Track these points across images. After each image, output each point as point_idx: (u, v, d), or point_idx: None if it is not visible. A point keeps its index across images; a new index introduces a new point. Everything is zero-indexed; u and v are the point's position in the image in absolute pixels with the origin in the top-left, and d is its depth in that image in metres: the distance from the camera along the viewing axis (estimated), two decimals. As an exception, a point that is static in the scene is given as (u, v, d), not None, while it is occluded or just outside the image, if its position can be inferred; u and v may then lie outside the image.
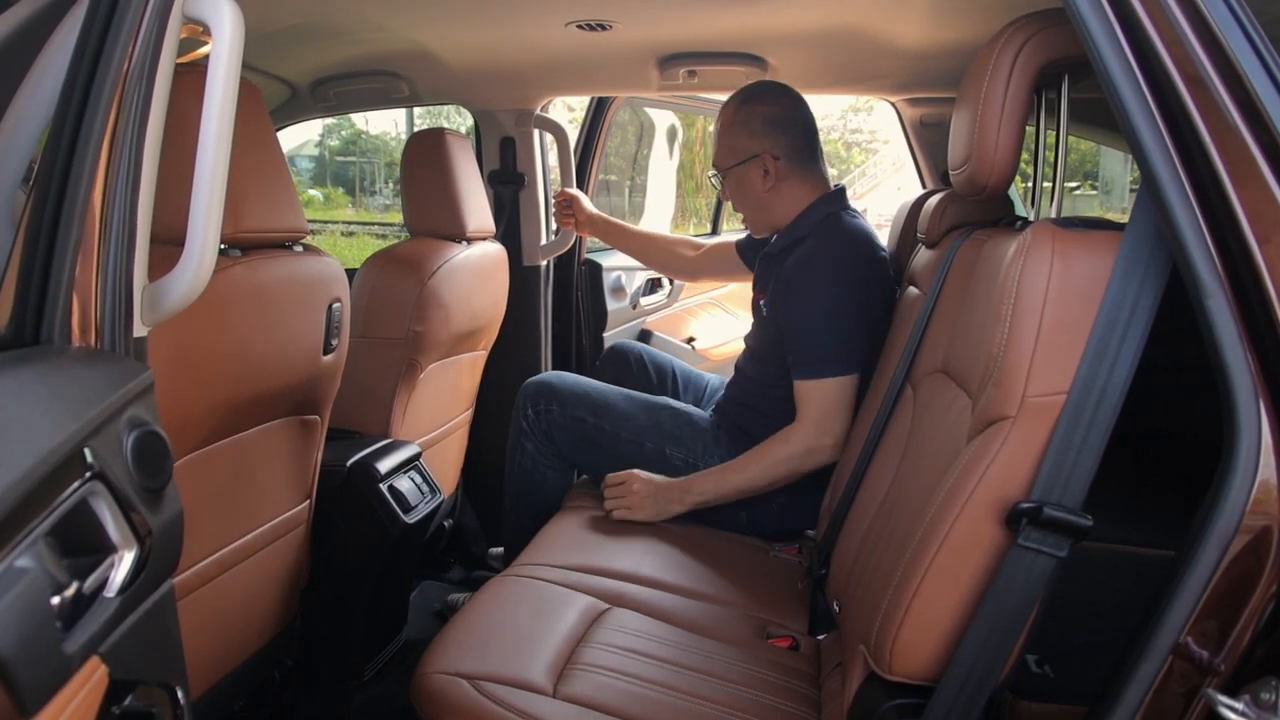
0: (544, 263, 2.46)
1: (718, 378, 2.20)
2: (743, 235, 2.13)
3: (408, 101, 2.34)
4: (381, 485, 1.66)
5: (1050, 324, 0.90)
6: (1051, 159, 1.30)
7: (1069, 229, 0.92)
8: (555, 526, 1.79)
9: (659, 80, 1.98)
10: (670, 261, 2.38)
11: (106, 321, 0.81)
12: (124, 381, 0.75)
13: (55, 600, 0.61)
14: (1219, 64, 0.77)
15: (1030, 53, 1.03)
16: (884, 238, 2.06)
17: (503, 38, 1.84)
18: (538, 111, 2.36)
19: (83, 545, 0.66)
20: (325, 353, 1.41)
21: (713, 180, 1.93)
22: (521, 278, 2.39)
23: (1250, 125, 0.76)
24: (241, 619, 1.41)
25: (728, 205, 2.19)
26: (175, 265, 0.86)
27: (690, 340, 3.00)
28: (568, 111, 3.82)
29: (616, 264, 2.63)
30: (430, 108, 5.50)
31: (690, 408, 1.96)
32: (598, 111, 2.60)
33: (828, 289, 1.67)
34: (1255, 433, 0.77)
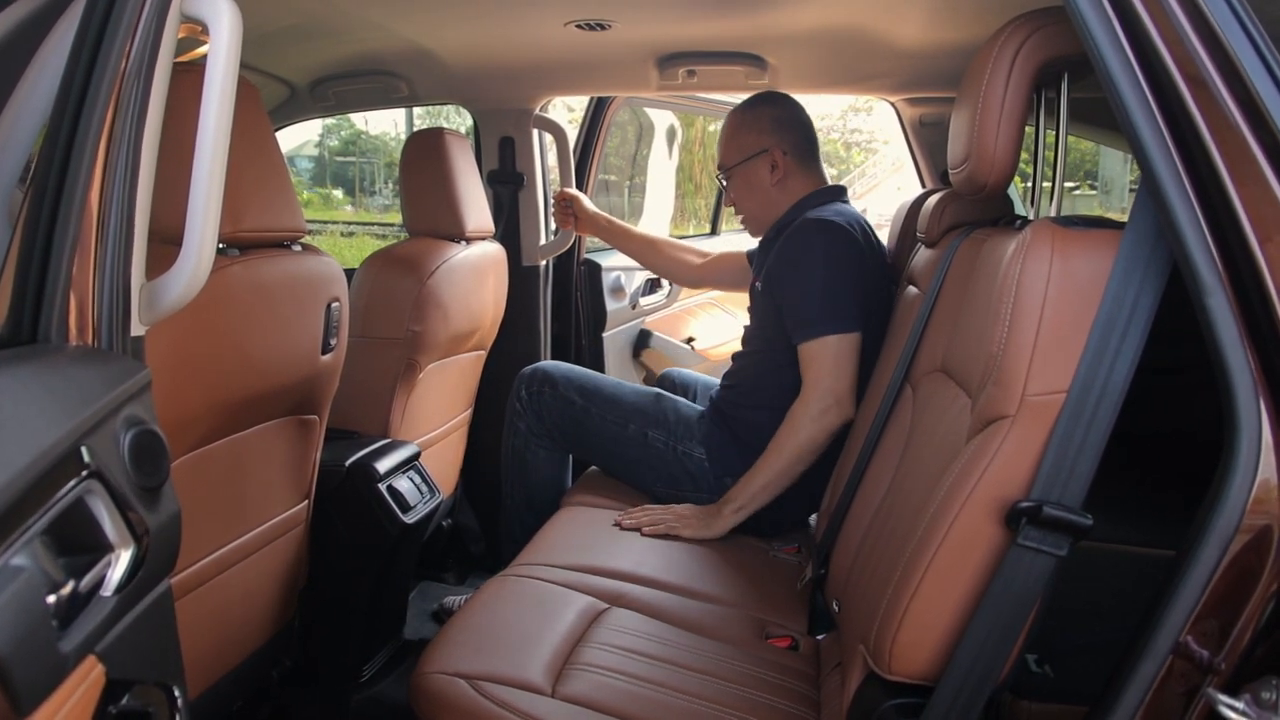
0: (543, 263, 2.46)
1: None
2: (746, 241, 2.14)
3: (407, 101, 2.34)
4: (380, 485, 1.66)
5: (1050, 323, 0.90)
6: (1051, 158, 1.30)
7: (1069, 228, 0.92)
8: (554, 526, 1.79)
9: (658, 80, 1.98)
10: (673, 268, 2.37)
11: (104, 320, 0.81)
12: (121, 380, 0.75)
13: (51, 599, 0.60)
14: (1220, 62, 0.77)
15: (1030, 51, 1.03)
16: (884, 237, 2.06)
17: (502, 37, 1.84)
18: (537, 111, 2.36)
19: (79, 544, 0.65)
20: (324, 352, 1.40)
21: (720, 179, 1.96)
22: (521, 278, 2.38)
23: (1251, 124, 0.76)
24: (240, 619, 1.40)
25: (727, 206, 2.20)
26: (173, 264, 0.86)
27: (690, 340, 3.00)
28: (567, 112, 3.82)
29: (616, 264, 2.62)
30: (430, 108, 5.50)
31: (680, 399, 1.98)
32: (597, 111, 2.59)
33: (818, 253, 1.71)
34: (1255, 431, 0.76)
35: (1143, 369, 0.87)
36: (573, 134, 2.51)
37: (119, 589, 0.68)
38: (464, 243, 2.05)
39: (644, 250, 2.35)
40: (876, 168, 26.67)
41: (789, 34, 1.74)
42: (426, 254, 1.94)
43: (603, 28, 1.68)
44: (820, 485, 1.75)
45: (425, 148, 1.98)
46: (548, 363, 2.06)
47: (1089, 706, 0.86)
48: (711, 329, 3.12)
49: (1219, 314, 0.77)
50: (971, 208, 1.51)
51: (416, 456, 1.81)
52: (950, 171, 1.19)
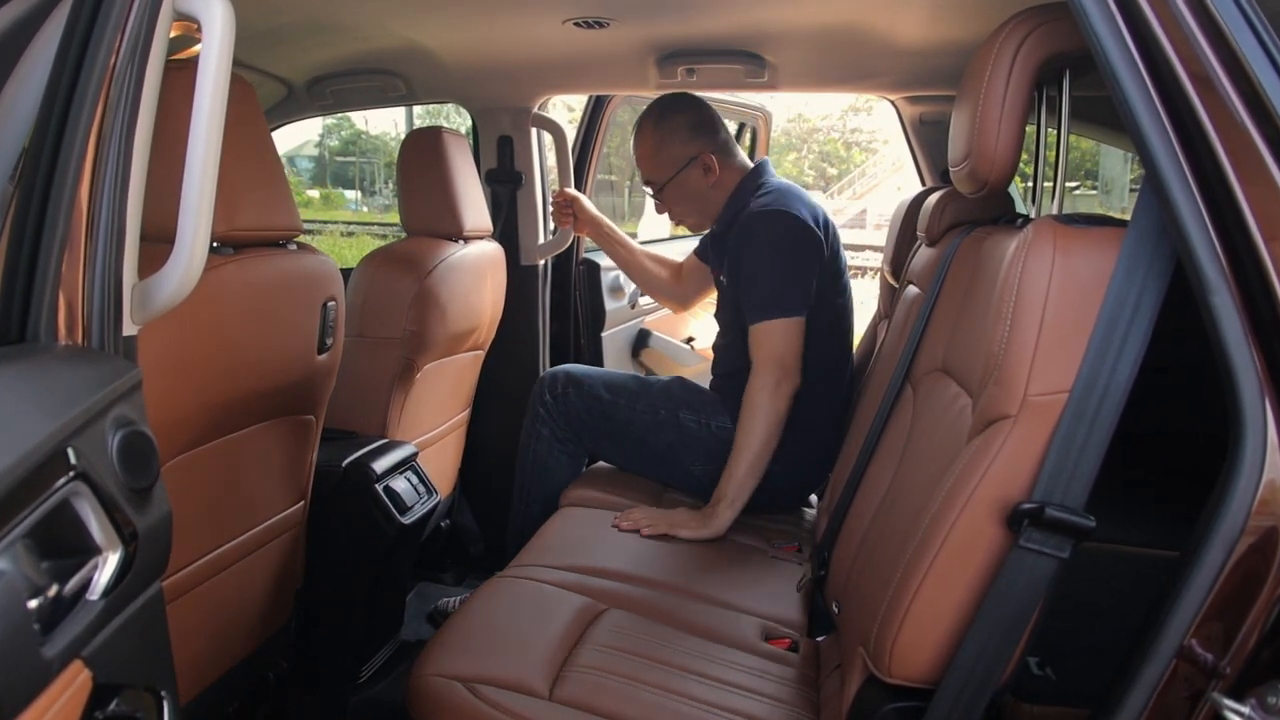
0: (542, 262, 2.45)
1: None
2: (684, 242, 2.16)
3: (405, 100, 2.33)
4: (377, 486, 1.65)
5: (1052, 322, 0.89)
6: (1052, 156, 1.29)
7: (1071, 225, 0.91)
8: (552, 527, 1.78)
9: (657, 78, 1.97)
10: (659, 287, 2.32)
11: (94, 319, 0.80)
12: (110, 380, 0.74)
13: (34, 603, 0.59)
14: (1225, 58, 0.76)
15: (1032, 47, 1.02)
16: (883, 238, 2.05)
17: (500, 35, 1.83)
18: (535, 110, 2.35)
19: (65, 547, 0.64)
20: (320, 352, 1.39)
21: (652, 195, 1.98)
22: (519, 277, 2.38)
23: (1257, 121, 0.75)
24: (236, 620, 1.40)
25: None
26: (165, 263, 0.85)
27: (689, 340, 2.99)
28: (566, 111, 3.81)
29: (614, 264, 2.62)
30: (430, 107, 5.49)
31: (690, 381, 2.02)
32: (596, 110, 2.58)
33: (763, 244, 1.78)
34: (1261, 432, 0.75)
35: (1146, 367, 0.86)
36: (571, 133, 2.50)
37: (106, 592, 0.67)
38: (462, 242, 2.04)
39: (628, 264, 2.31)
40: (876, 167, 26.67)
41: (789, 32, 1.73)
42: (424, 253, 1.93)
43: (601, 25, 1.67)
44: (807, 459, 1.79)
45: (423, 147, 1.97)
46: (567, 366, 2.07)
47: (1091, 709, 0.85)
48: (710, 329, 3.11)
49: (1224, 312, 0.76)
50: (972, 206, 1.50)
51: (414, 457, 1.80)
52: (951, 170, 1.18)
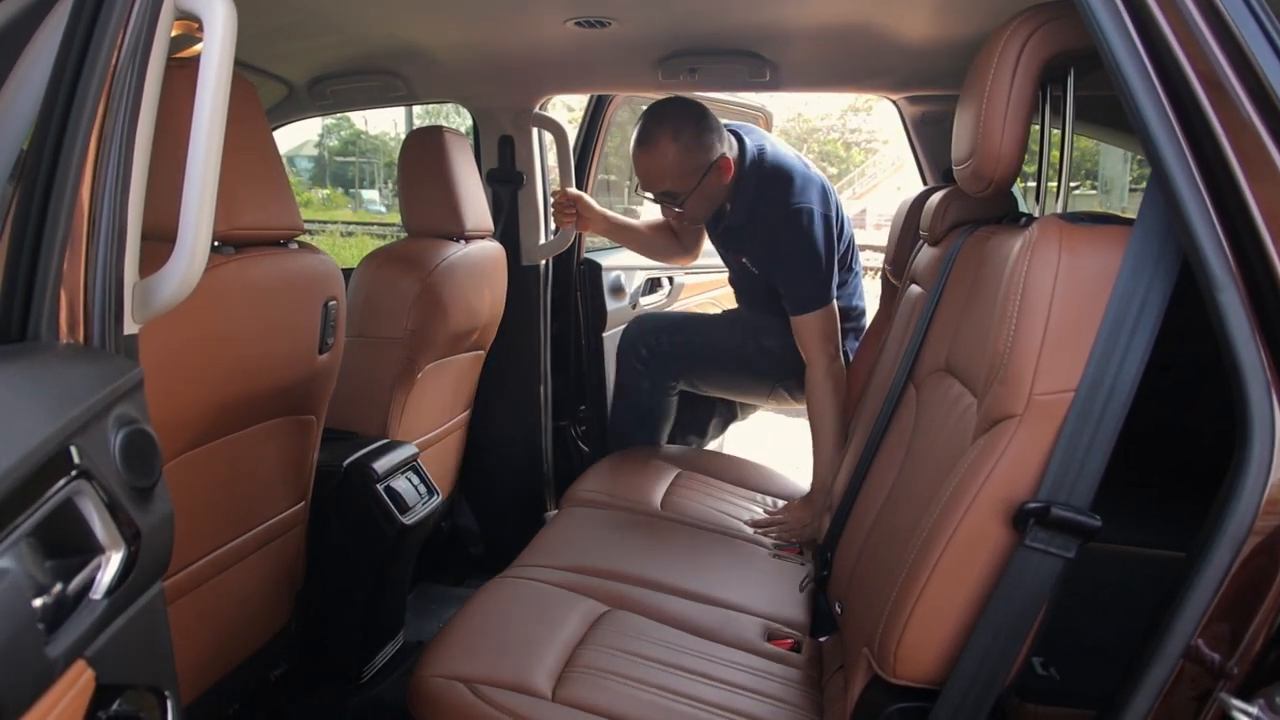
0: (543, 262, 2.44)
1: None
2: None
3: (406, 100, 2.33)
4: (379, 486, 1.65)
5: (1057, 320, 0.88)
6: (1056, 156, 1.29)
7: (1076, 224, 0.91)
8: (554, 528, 1.78)
9: (659, 78, 1.97)
10: (671, 251, 2.42)
11: (96, 318, 0.80)
12: (112, 379, 0.73)
13: (38, 602, 0.59)
14: (1233, 57, 0.76)
15: (1036, 45, 1.02)
16: (883, 238, 2.07)
17: (501, 35, 1.82)
18: (536, 110, 2.35)
19: (68, 546, 0.64)
20: (321, 352, 1.39)
21: (675, 207, 1.98)
22: (520, 277, 2.37)
23: (1265, 119, 0.74)
24: (237, 621, 1.39)
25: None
26: (167, 262, 0.84)
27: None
28: (567, 111, 3.80)
29: (615, 263, 2.61)
30: (431, 106, 5.49)
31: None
32: (597, 110, 2.58)
33: (793, 243, 1.96)
34: (1269, 431, 0.75)
35: (1152, 366, 0.85)
36: (572, 133, 2.49)
37: (109, 591, 0.67)
38: (463, 242, 2.03)
39: (646, 241, 2.38)
40: (876, 167, 26.66)
41: (791, 32, 1.73)
42: (425, 253, 1.93)
43: (603, 25, 1.66)
44: None
45: (424, 146, 1.97)
46: (640, 316, 2.37)
47: (1097, 710, 0.85)
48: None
49: (1231, 310, 0.76)
50: (975, 205, 1.50)
51: (415, 457, 1.80)
52: (954, 168, 1.17)
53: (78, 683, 0.62)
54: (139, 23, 0.83)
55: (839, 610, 1.37)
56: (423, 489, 1.76)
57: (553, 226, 2.44)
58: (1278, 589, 0.74)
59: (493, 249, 2.16)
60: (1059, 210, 1.17)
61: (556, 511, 1.89)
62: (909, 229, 1.99)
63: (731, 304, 3.31)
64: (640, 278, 2.80)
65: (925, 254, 1.66)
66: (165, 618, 0.78)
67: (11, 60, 0.84)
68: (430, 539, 2.13)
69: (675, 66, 1.91)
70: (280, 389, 1.33)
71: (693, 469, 2.17)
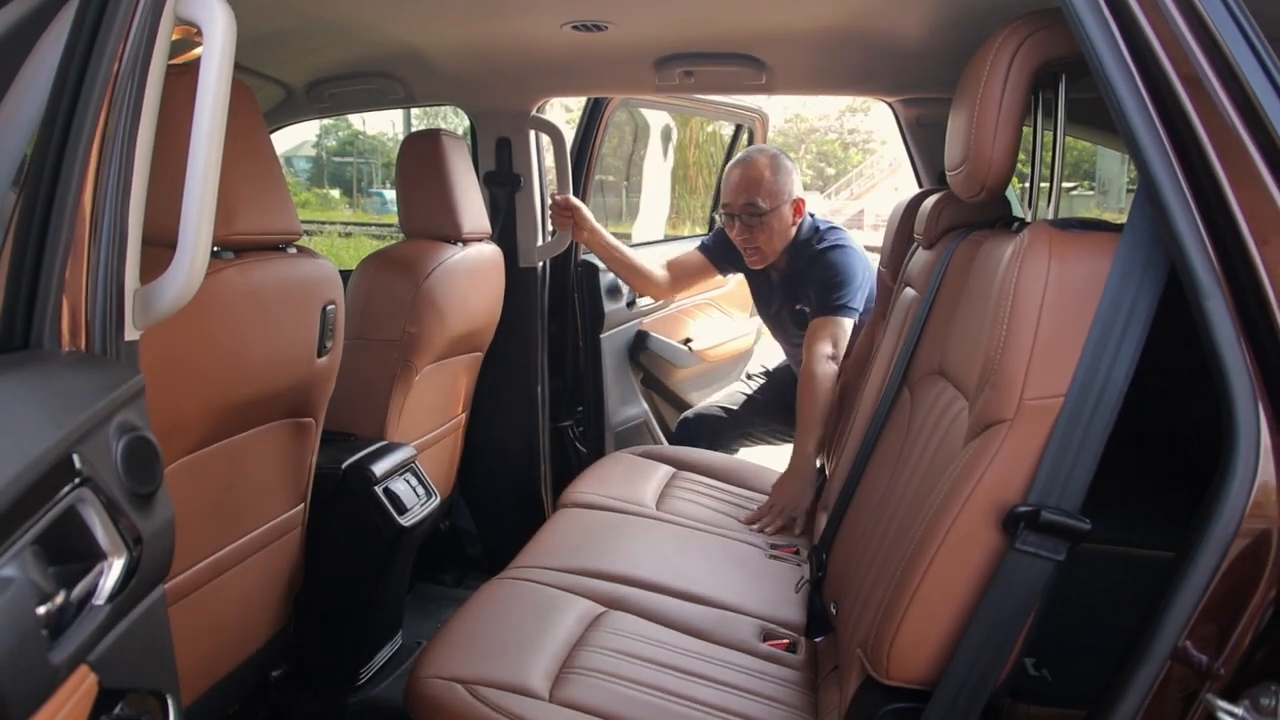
0: (540, 264, 2.45)
1: None
2: (683, 240, 2.38)
3: (403, 103, 2.33)
4: (377, 488, 1.66)
5: (1048, 326, 0.89)
6: (1049, 160, 1.30)
7: (1066, 230, 0.92)
8: (551, 529, 1.78)
9: (656, 81, 1.98)
10: (651, 281, 2.49)
11: (97, 325, 0.80)
12: (114, 386, 0.74)
13: (42, 609, 0.60)
14: (1217, 64, 0.77)
15: (1027, 53, 1.03)
16: (880, 238, 2.08)
17: (498, 38, 1.83)
18: (534, 112, 2.36)
19: (71, 552, 0.65)
20: (319, 355, 1.40)
21: (752, 220, 2.21)
22: (518, 279, 2.38)
23: (1248, 126, 0.75)
24: (236, 623, 1.40)
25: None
26: (167, 268, 0.85)
27: (687, 341, 2.99)
28: (565, 113, 3.81)
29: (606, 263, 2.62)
30: (428, 109, 5.49)
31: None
32: (594, 113, 2.59)
33: (841, 266, 2.19)
34: (1254, 435, 0.76)
35: (1141, 371, 0.86)
36: (570, 135, 2.50)
37: (111, 597, 0.67)
38: (460, 244, 2.04)
39: (630, 267, 2.45)
40: (874, 168, 26.65)
41: (787, 35, 1.74)
42: (423, 256, 1.93)
43: (600, 29, 1.67)
44: None
45: (421, 149, 1.98)
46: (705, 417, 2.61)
47: (1087, 710, 0.86)
48: (708, 330, 3.12)
49: (1217, 316, 0.77)
50: (969, 209, 1.51)
51: (413, 459, 1.81)
52: (948, 174, 1.18)
53: (81, 688, 0.63)
54: (140, 30, 0.83)
55: (834, 611, 1.38)
56: (421, 490, 1.77)
57: (550, 229, 2.45)
58: (1263, 591, 0.75)
59: (490, 251, 2.17)
60: (1051, 215, 1.18)
61: (554, 512, 1.90)
62: (904, 231, 2.00)
63: (730, 304, 3.35)
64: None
65: (919, 257, 1.67)
66: (167, 621, 0.79)
67: (14, 69, 0.85)
68: (428, 540, 2.14)
69: (671, 69, 1.92)
70: (279, 392, 1.33)
71: (689, 469, 2.18)
